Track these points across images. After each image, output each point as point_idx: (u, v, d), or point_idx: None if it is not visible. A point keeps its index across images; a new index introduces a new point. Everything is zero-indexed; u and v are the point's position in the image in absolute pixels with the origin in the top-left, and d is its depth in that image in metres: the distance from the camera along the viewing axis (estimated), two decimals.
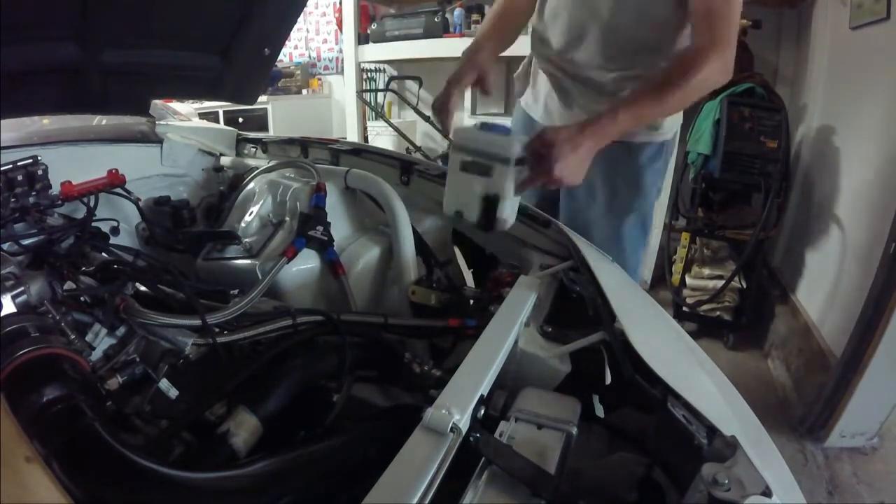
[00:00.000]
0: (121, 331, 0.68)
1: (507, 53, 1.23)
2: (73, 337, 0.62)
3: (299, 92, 4.34)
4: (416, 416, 0.49)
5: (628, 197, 1.21)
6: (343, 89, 3.88)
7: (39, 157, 1.07)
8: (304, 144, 1.43)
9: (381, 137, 3.46)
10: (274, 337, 0.72)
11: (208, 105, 3.41)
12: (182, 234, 1.19)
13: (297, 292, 0.95)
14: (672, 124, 1.23)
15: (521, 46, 1.32)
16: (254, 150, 1.55)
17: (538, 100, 1.30)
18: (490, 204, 0.82)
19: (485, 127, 0.86)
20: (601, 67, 1.13)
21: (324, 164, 1.27)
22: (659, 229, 2.58)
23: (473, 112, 3.10)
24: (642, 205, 1.24)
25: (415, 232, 1.01)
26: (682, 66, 0.96)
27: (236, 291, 0.82)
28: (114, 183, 1.17)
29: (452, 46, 3.00)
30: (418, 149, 3.23)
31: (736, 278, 2.20)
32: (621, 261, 1.14)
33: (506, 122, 1.22)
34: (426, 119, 3.29)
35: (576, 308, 0.78)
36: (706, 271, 2.41)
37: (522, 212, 0.96)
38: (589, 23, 1.10)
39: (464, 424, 0.49)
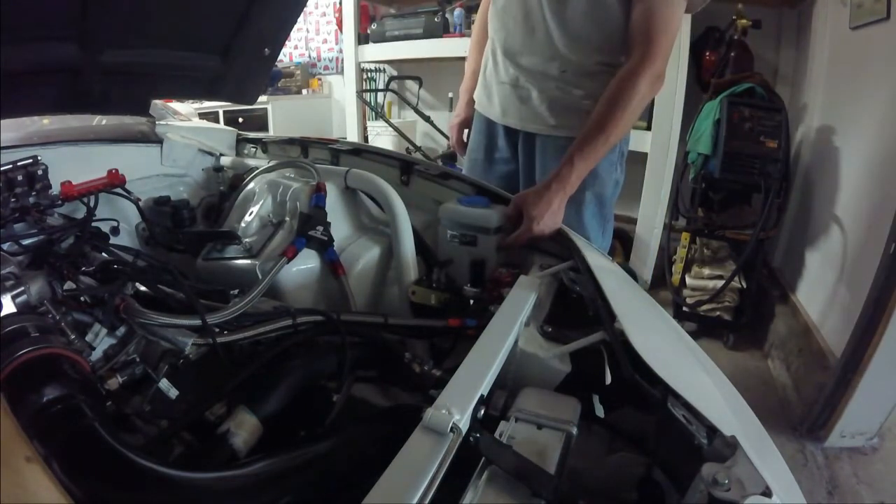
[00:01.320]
0: (121, 331, 0.68)
1: None
2: (73, 337, 0.62)
3: (299, 92, 4.34)
4: (416, 416, 0.49)
5: (582, 185, 1.22)
6: (343, 89, 3.88)
7: (39, 157, 1.07)
8: (304, 144, 1.43)
9: (381, 137, 3.45)
10: (274, 337, 0.72)
11: (208, 105, 3.41)
12: (182, 234, 1.19)
13: (297, 292, 0.95)
14: None
15: None
16: (254, 150, 1.55)
17: (491, 99, 1.37)
18: (478, 267, 0.96)
19: (465, 200, 1.02)
20: (552, 59, 1.20)
21: (324, 164, 1.27)
22: (659, 229, 2.58)
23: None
24: (598, 194, 1.27)
25: (415, 232, 1.01)
26: (619, 92, 1.06)
27: (236, 291, 0.82)
28: (114, 183, 1.17)
29: (452, 46, 3.00)
30: (418, 149, 3.23)
31: (736, 278, 2.20)
32: None
33: None
34: (426, 119, 3.29)
35: (576, 308, 0.78)
36: (706, 271, 2.41)
37: None
38: (540, 18, 1.18)
39: (464, 424, 0.49)
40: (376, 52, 3.33)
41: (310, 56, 4.61)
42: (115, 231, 1.17)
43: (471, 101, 1.47)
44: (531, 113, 1.28)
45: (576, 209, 1.25)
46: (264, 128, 3.86)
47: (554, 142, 1.26)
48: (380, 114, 3.39)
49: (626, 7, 1.10)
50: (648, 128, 2.44)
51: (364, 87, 3.58)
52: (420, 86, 3.49)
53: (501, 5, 1.27)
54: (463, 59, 2.97)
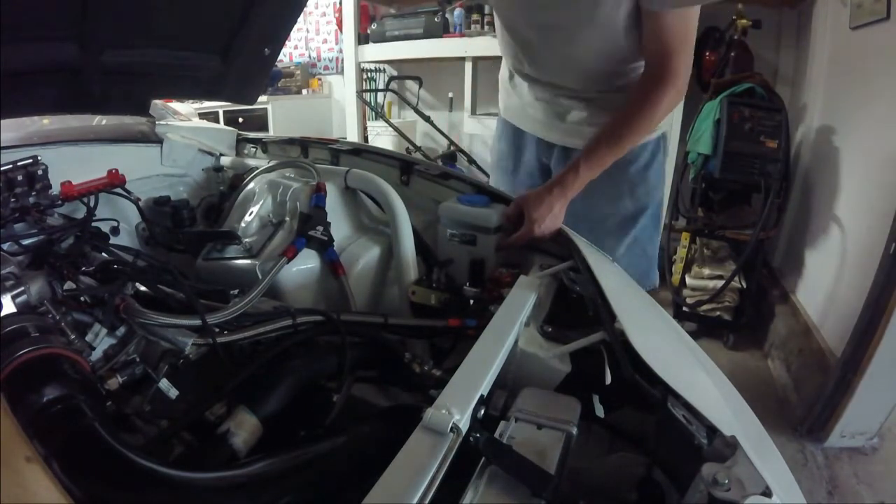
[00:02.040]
0: (121, 331, 0.68)
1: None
2: (73, 337, 0.62)
3: (299, 92, 4.35)
4: (416, 416, 0.49)
5: (640, 197, 1.22)
6: (343, 89, 3.88)
7: (39, 157, 1.07)
8: (304, 144, 1.43)
9: (381, 137, 3.45)
10: (274, 337, 0.72)
11: (208, 105, 3.42)
12: (182, 234, 1.19)
13: (297, 292, 0.95)
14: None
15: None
16: (254, 150, 1.55)
17: (524, 110, 1.32)
18: (478, 267, 0.96)
19: (465, 199, 1.01)
20: (571, 84, 1.17)
21: (324, 164, 1.27)
22: (659, 229, 2.58)
23: (473, 112, 3.11)
24: (653, 202, 1.26)
25: (415, 232, 1.01)
26: (638, 112, 1.00)
27: (236, 291, 0.82)
28: (114, 183, 1.17)
29: (452, 46, 3.00)
30: (418, 149, 3.23)
31: (736, 278, 2.20)
32: (644, 262, 1.24)
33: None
34: (426, 119, 3.29)
35: (576, 308, 0.78)
36: (706, 271, 2.41)
37: None
38: (549, 53, 1.13)
39: (464, 424, 0.49)
40: (376, 52, 3.33)
41: (310, 56, 4.61)
42: (115, 231, 1.17)
43: None
44: (572, 129, 1.23)
45: (630, 229, 1.24)
46: (264, 128, 3.87)
47: None
48: (380, 114, 3.39)
49: (635, 35, 1.01)
50: None
51: (364, 87, 3.58)
52: (420, 86, 3.49)
53: (501, 36, 1.22)
54: (463, 59, 3.00)
